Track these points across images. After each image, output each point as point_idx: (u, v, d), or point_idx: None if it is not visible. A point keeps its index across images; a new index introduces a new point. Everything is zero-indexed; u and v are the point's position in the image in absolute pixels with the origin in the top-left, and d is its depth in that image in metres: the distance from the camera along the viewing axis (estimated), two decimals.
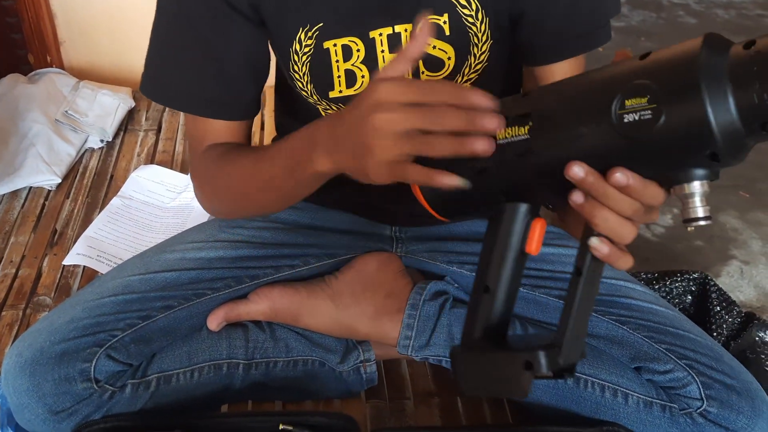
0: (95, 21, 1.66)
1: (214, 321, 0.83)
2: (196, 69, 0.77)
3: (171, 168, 1.39)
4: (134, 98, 1.57)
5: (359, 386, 0.90)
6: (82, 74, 1.63)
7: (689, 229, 0.52)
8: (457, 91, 0.54)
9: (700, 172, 0.50)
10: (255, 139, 1.47)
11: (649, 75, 0.48)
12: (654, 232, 1.84)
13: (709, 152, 0.47)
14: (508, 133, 0.55)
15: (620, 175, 0.50)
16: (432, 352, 0.86)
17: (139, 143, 1.47)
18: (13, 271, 1.14)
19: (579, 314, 0.55)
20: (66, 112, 1.47)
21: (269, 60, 0.81)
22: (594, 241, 0.53)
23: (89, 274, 1.13)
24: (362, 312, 0.87)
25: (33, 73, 1.59)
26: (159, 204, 1.29)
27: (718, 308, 1.07)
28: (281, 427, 0.75)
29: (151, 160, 1.42)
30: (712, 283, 1.12)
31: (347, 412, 0.87)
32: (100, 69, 1.67)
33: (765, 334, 1.04)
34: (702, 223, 0.51)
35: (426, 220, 0.90)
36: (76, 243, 1.19)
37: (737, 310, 1.09)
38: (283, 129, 0.95)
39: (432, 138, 0.54)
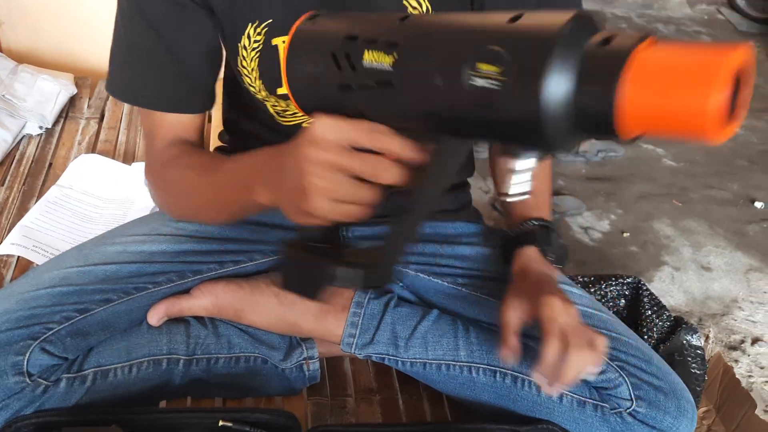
0: (36, 3, 1.60)
1: (155, 316, 0.82)
2: (152, 64, 0.77)
3: (113, 158, 1.35)
4: (76, 85, 1.52)
5: (302, 383, 0.90)
6: (21, 57, 1.57)
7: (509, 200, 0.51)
8: (396, 142, 0.53)
9: (526, 152, 0.48)
10: None
11: (508, 43, 0.44)
12: (591, 237, 1.90)
13: (537, 140, 0.46)
14: (374, 57, 0.51)
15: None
16: (375, 350, 0.87)
17: (80, 131, 1.43)
18: None
19: (395, 242, 0.55)
20: (3, 96, 1.41)
21: (222, 50, 0.81)
22: None
23: (23, 265, 1.09)
24: (306, 309, 0.87)
25: None
26: (99, 195, 1.26)
27: (650, 312, 1.12)
28: (221, 423, 0.74)
29: (92, 149, 1.38)
30: (645, 287, 1.16)
31: (288, 409, 0.87)
32: (41, 53, 1.61)
33: (692, 337, 1.09)
34: (510, 200, 0.50)
35: (372, 221, 0.91)
36: (11, 232, 1.14)
37: (667, 314, 1.14)
38: (229, 124, 0.94)
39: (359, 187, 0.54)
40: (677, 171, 2.25)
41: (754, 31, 3.29)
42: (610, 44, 0.43)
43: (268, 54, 0.76)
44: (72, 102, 1.50)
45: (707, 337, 1.29)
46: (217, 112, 1.49)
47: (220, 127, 0.97)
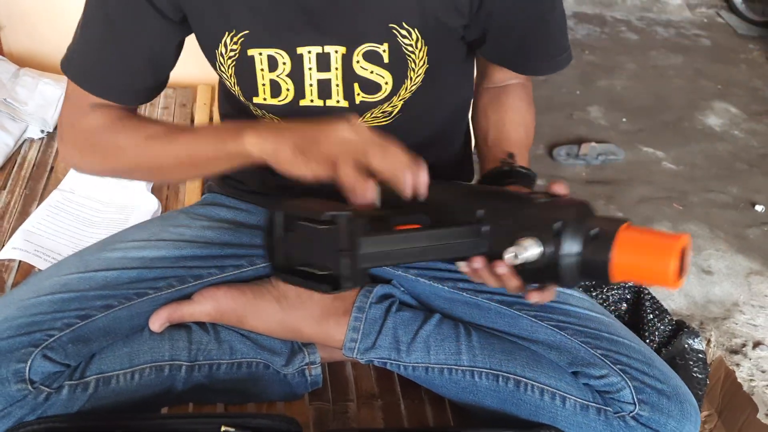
0: (37, 6, 1.60)
1: (157, 321, 0.82)
2: (99, 50, 0.79)
3: None
4: None
5: (304, 389, 0.90)
6: (22, 61, 1.57)
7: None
8: (411, 166, 0.65)
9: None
10: None
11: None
12: None
13: (555, 280, 0.69)
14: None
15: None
16: (377, 354, 0.87)
17: None
18: None
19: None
20: (4, 100, 1.41)
21: (173, 57, 0.82)
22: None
23: (25, 269, 1.09)
24: (308, 314, 0.87)
25: None
26: (101, 199, 1.26)
27: (651, 316, 1.11)
28: (223, 429, 0.74)
29: None
30: (646, 291, 1.16)
31: (290, 414, 0.87)
32: (42, 57, 1.61)
33: (693, 341, 1.09)
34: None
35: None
36: (12, 236, 1.14)
37: (669, 318, 1.14)
38: (227, 119, 0.94)
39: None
40: (677, 174, 2.25)
41: (754, 34, 3.30)
42: (595, 237, 0.64)
43: (243, 63, 0.77)
44: None
45: (708, 341, 1.29)
46: (217, 117, 1.49)
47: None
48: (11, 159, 1.34)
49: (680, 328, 1.12)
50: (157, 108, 1.53)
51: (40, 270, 1.08)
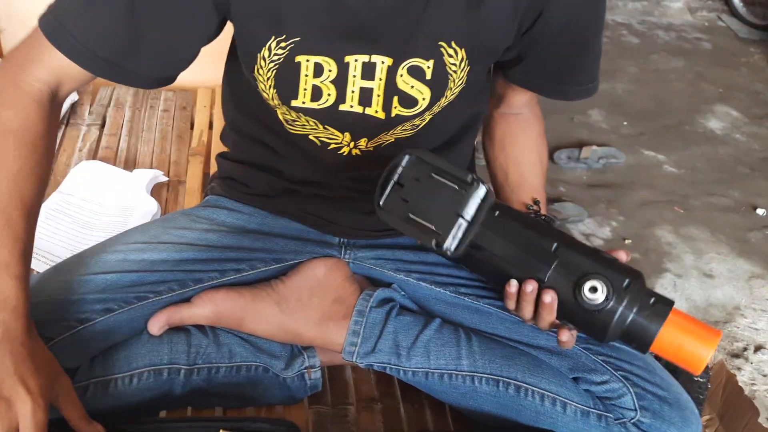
0: (37, 9, 1.60)
1: (156, 325, 0.82)
2: (110, 27, 0.73)
3: (114, 165, 1.35)
4: (77, 91, 1.52)
5: (303, 392, 0.90)
6: None
7: None
8: None
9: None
10: (203, 138, 1.45)
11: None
12: (593, 244, 1.89)
13: (597, 336, 0.74)
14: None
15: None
16: (377, 358, 0.86)
17: (81, 138, 1.43)
18: None
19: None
20: None
21: (189, 59, 0.79)
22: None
23: None
24: (308, 317, 0.87)
25: None
26: (100, 201, 1.25)
27: None
28: None
29: (93, 155, 1.38)
30: None
31: (289, 417, 0.87)
32: None
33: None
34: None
35: (374, 234, 0.90)
36: None
37: None
38: (236, 125, 0.93)
39: None
40: (678, 178, 2.25)
41: (755, 38, 3.29)
42: (654, 304, 0.70)
43: (287, 68, 0.76)
44: (73, 108, 1.50)
45: None
46: (218, 121, 1.49)
47: (220, 129, 0.96)
48: None
49: None
50: (157, 111, 1.53)
51: (38, 273, 1.07)
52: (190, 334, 0.85)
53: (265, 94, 0.80)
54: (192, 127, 1.49)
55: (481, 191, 0.69)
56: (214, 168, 1.02)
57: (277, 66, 0.76)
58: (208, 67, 0.81)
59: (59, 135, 1.42)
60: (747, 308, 1.74)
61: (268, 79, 0.77)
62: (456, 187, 0.69)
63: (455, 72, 0.77)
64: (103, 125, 1.47)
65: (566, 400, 0.80)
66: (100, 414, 0.77)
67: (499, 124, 0.94)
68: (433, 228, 0.70)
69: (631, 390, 0.77)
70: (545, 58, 0.82)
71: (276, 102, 0.80)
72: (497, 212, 0.73)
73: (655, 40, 3.21)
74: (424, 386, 0.87)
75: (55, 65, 0.75)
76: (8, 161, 0.70)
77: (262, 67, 0.77)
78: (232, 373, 0.85)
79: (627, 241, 1.92)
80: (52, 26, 0.74)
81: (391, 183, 0.72)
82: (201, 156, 1.39)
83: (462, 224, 0.69)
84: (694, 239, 1.96)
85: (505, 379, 0.82)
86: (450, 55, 0.76)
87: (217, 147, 1.01)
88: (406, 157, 0.72)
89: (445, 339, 0.85)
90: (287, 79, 0.77)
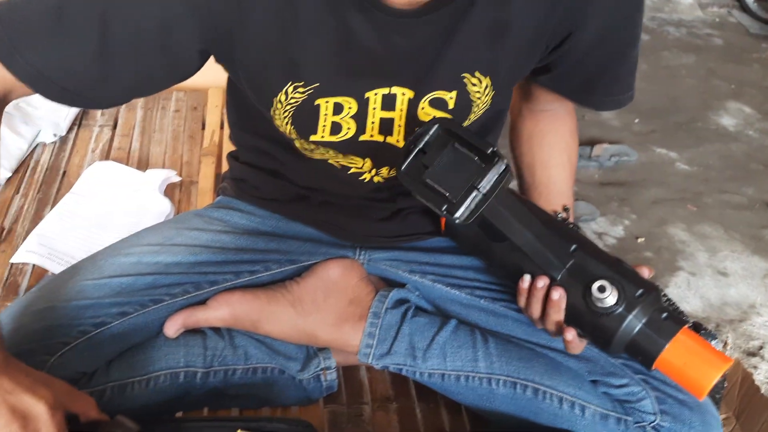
0: None
1: (172, 327, 0.82)
2: (77, 61, 0.65)
3: (127, 165, 1.35)
4: None
5: (319, 394, 0.90)
6: None
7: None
8: None
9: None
10: (215, 139, 1.45)
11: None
12: (605, 243, 1.88)
13: (602, 345, 0.73)
14: None
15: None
16: (392, 360, 0.86)
17: (93, 139, 1.43)
18: None
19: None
20: (17, 104, 1.41)
21: (159, 90, 0.75)
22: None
23: (39, 273, 1.10)
24: (323, 319, 0.87)
25: None
26: (113, 202, 1.26)
27: None
28: None
29: (106, 156, 1.38)
30: (663, 294, 1.15)
31: (305, 417, 0.87)
32: None
33: (711, 343, 1.08)
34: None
35: (389, 240, 0.89)
36: (26, 240, 1.15)
37: (685, 319, 1.12)
38: (242, 144, 0.91)
39: None
40: (691, 175, 2.23)
41: (766, 34, 3.26)
42: (665, 320, 0.70)
43: (306, 110, 0.74)
44: (85, 110, 1.50)
45: (725, 344, 1.28)
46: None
47: (231, 148, 0.95)
48: (24, 163, 1.34)
49: (697, 329, 1.10)
50: (168, 111, 1.53)
51: (53, 273, 1.08)
52: (206, 337, 0.84)
53: (281, 129, 0.78)
54: (203, 128, 1.49)
55: (500, 166, 0.69)
56: (225, 167, 1.02)
57: (294, 108, 0.74)
58: (218, 67, 0.80)
59: (72, 137, 1.42)
60: (762, 306, 1.72)
61: (285, 117, 0.75)
62: (476, 158, 0.69)
63: (479, 98, 0.75)
64: (115, 126, 1.48)
65: (585, 403, 0.79)
66: None
67: (527, 121, 0.90)
68: (447, 195, 0.69)
69: (651, 393, 0.77)
70: (576, 71, 0.79)
71: (293, 136, 0.78)
72: (520, 201, 0.73)
73: (666, 37, 3.19)
74: (440, 388, 0.87)
75: (7, 78, 0.65)
76: None
77: (278, 109, 0.74)
78: (248, 375, 0.85)
79: (640, 240, 1.91)
80: (4, 47, 0.63)
81: (416, 150, 0.71)
82: (213, 156, 1.39)
83: (476, 195, 0.69)
84: (707, 237, 1.95)
85: (522, 381, 0.81)
86: (474, 84, 0.74)
87: (229, 147, 1.00)
88: (435, 126, 0.71)
89: (462, 340, 0.85)
90: (306, 118, 0.74)
